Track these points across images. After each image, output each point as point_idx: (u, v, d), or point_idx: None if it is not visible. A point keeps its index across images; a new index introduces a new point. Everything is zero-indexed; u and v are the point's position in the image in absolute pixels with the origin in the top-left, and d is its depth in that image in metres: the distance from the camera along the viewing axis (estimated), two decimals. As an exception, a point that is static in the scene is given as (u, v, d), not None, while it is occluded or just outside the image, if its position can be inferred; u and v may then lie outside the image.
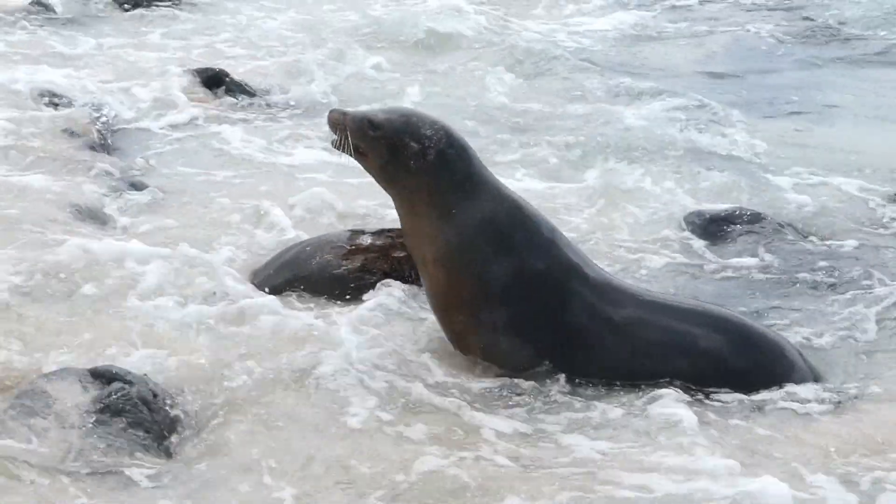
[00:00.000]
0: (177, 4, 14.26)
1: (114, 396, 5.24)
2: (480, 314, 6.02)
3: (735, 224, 8.40)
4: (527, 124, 10.83)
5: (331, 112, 6.09)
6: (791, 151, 10.42)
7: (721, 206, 8.74)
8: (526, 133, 10.53)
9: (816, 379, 6.32)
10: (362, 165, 6.07)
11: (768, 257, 8.03)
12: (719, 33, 14.77)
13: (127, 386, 5.29)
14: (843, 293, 7.55)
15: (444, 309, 6.13)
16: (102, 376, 5.41)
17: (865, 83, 12.89)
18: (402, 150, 5.85)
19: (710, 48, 14.17)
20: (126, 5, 14.06)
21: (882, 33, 14.64)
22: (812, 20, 15.18)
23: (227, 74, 11.18)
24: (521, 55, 12.94)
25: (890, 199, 9.11)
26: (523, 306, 6.01)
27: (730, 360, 6.13)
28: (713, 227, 8.41)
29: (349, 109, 6.17)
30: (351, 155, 6.01)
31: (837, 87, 12.66)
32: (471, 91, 11.82)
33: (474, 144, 6.29)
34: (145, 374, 5.57)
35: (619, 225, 8.50)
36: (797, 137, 10.95)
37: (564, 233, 6.49)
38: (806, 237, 8.46)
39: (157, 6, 14.18)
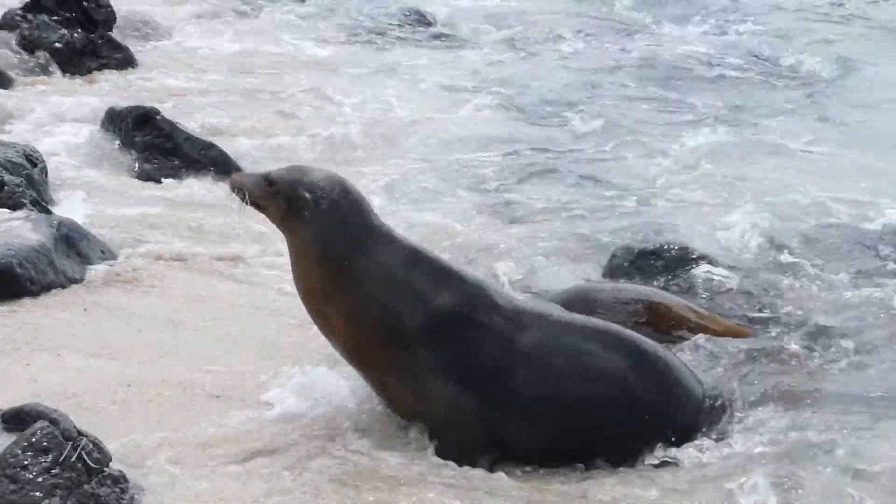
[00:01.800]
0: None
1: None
2: (396, 362, 6.05)
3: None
4: None
5: (232, 176, 6.30)
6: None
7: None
8: None
9: (704, 395, 6.42)
10: (270, 220, 6.23)
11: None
12: None
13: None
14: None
15: (361, 364, 6.16)
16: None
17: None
18: (296, 202, 6.00)
19: None
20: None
21: None
22: None
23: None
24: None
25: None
26: (435, 346, 6.03)
27: (630, 381, 6.20)
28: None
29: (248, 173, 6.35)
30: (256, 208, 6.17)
31: None
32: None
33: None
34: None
35: None
36: None
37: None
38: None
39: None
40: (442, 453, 6.03)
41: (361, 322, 6.04)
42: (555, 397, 6.09)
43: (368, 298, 6.03)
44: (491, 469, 6.00)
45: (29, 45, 13.29)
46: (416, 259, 6.14)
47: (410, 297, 6.06)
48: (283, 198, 6.03)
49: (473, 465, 5.98)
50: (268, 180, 6.09)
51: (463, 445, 6.05)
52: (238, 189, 6.13)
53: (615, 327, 6.45)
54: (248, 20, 17.70)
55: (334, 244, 6.02)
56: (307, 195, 5.99)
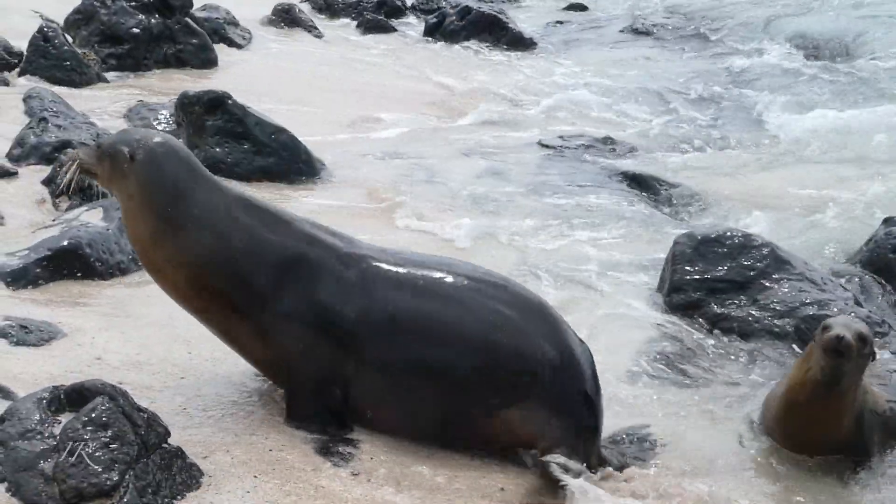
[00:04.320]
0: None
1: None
2: (235, 308, 6.10)
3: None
4: None
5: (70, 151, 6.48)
6: None
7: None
8: None
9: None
10: (101, 185, 6.38)
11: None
12: None
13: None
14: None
15: (202, 312, 6.21)
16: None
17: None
18: (115, 158, 6.13)
19: None
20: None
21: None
22: None
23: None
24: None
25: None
26: (273, 288, 6.06)
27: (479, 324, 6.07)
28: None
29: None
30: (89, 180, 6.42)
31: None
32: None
33: None
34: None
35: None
36: None
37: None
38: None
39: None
40: (293, 409, 6.10)
41: (192, 269, 6.09)
42: (397, 338, 6.07)
43: (196, 245, 6.09)
44: (343, 425, 6.07)
45: (107, 33, 13.49)
46: (243, 205, 6.18)
47: (240, 241, 6.10)
48: (106, 158, 6.18)
49: (325, 421, 6.04)
50: (96, 144, 6.34)
51: (312, 393, 6.10)
52: (71, 160, 6.34)
53: (464, 263, 6.43)
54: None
55: (155, 194, 6.09)
56: (125, 149, 6.12)
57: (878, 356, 6.49)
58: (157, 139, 6.21)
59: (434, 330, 6.08)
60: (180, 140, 6.27)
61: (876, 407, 6.52)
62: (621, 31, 18.40)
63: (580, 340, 6.28)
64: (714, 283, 8.26)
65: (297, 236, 6.18)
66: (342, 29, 17.71)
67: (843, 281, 8.57)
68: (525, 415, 6.07)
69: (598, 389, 6.25)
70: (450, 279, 6.20)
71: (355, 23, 18.22)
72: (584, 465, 6.03)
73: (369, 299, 6.09)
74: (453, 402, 6.08)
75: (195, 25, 14.30)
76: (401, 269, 6.20)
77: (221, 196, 6.17)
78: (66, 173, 6.33)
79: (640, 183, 11.05)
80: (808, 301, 8.11)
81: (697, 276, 8.32)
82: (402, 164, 11.27)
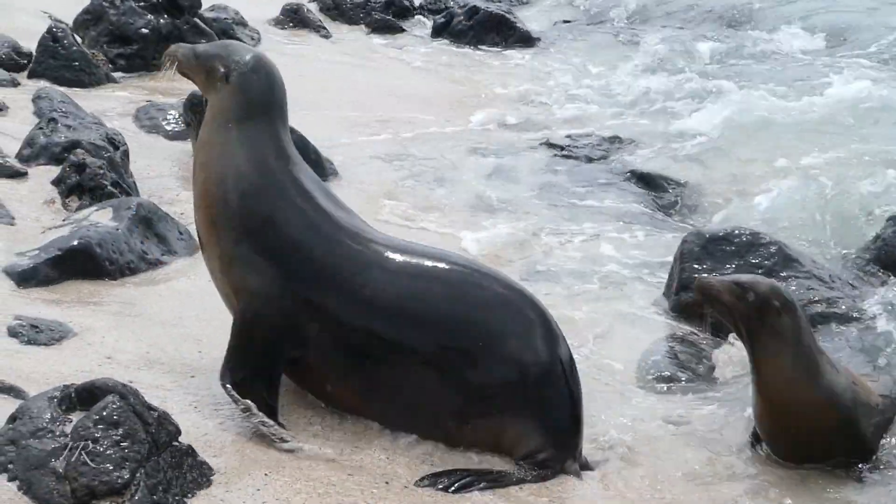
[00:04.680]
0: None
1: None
2: (216, 240, 6.28)
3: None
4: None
5: (170, 47, 6.72)
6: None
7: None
8: None
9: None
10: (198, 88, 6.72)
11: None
12: None
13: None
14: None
15: (200, 237, 6.46)
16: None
17: None
18: (212, 73, 6.41)
19: None
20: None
21: None
22: None
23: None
24: None
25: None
26: (240, 229, 6.20)
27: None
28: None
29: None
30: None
31: None
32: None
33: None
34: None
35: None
36: None
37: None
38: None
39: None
40: (229, 359, 6.13)
41: (205, 190, 6.34)
42: (354, 292, 6.11)
43: (216, 168, 6.32)
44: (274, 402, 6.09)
45: (116, 33, 13.52)
46: (285, 157, 6.33)
47: (260, 177, 6.25)
48: (203, 69, 6.46)
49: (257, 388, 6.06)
50: (194, 52, 6.56)
51: (263, 331, 6.12)
52: (170, 57, 6.61)
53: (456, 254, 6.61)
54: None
55: (231, 111, 6.32)
56: (221, 68, 6.35)
57: (800, 319, 6.34)
58: (253, 63, 6.41)
59: (412, 312, 6.09)
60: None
61: (869, 400, 6.51)
62: (631, 27, 18.34)
63: (561, 339, 6.23)
64: (722, 282, 8.27)
65: (309, 199, 6.25)
66: (350, 30, 17.69)
67: (851, 278, 8.57)
68: (503, 419, 6.06)
69: (579, 392, 6.21)
70: (439, 265, 6.22)
71: (363, 23, 18.23)
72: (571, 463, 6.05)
73: (353, 268, 6.12)
74: (426, 394, 6.08)
75: (204, 26, 14.30)
76: (392, 251, 6.22)
77: (273, 138, 6.31)
78: (166, 69, 6.62)
79: (648, 182, 11.04)
80: (816, 299, 8.12)
81: (706, 275, 8.32)
82: (411, 165, 11.29)
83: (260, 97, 6.35)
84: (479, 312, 6.09)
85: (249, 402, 5.99)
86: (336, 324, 6.12)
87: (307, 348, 6.14)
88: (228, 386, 6.06)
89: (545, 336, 6.13)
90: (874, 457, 6.46)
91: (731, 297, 6.22)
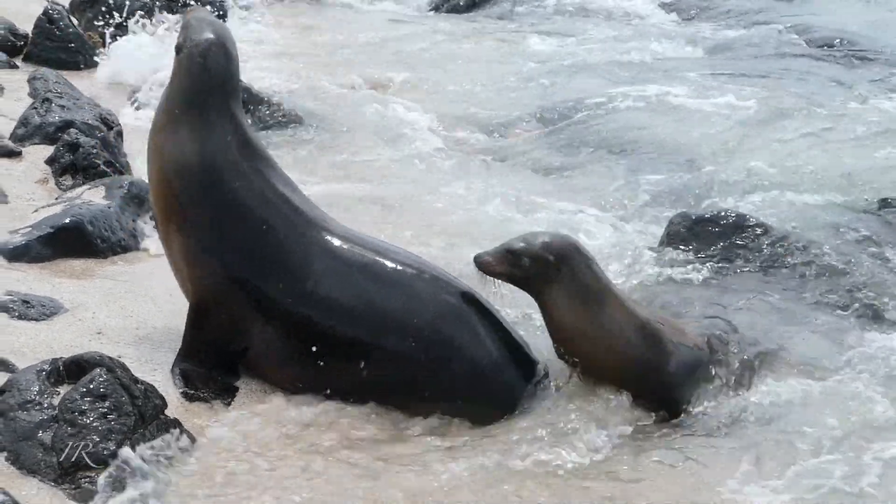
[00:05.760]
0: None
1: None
2: (177, 225, 6.31)
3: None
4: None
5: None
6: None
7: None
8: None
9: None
10: None
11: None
12: None
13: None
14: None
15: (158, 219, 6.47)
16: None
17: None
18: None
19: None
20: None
21: None
22: None
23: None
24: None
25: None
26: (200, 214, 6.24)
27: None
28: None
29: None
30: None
31: None
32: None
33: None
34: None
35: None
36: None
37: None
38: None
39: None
40: (186, 340, 6.30)
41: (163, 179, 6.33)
42: (296, 285, 6.19)
43: (167, 156, 6.31)
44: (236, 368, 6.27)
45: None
46: (250, 146, 6.34)
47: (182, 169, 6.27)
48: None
49: (219, 356, 6.24)
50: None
51: (211, 325, 6.25)
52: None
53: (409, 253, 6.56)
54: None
55: (180, 93, 6.31)
56: (178, 42, 6.37)
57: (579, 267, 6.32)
58: (201, 42, 6.31)
59: (360, 312, 6.18)
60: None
61: (676, 341, 6.48)
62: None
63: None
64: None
65: (271, 189, 6.28)
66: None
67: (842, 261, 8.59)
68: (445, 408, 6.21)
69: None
70: (388, 264, 6.30)
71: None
72: None
73: (302, 265, 6.19)
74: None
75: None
76: (341, 244, 6.28)
77: (223, 122, 6.29)
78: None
79: (639, 159, 11.02)
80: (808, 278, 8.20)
81: (691, 256, 8.41)
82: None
83: (204, 82, 6.29)
84: (413, 313, 6.19)
85: (188, 390, 6.14)
86: (279, 317, 6.21)
87: (252, 341, 6.26)
88: (177, 373, 6.22)
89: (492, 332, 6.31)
90: (683, 407, 6.43)
91: (507, 266, 6.24)
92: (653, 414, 6.34)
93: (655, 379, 6.39)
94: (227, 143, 6.27)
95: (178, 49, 6.36)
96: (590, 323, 6.26)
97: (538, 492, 5.66)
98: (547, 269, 6.22)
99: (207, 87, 6.28)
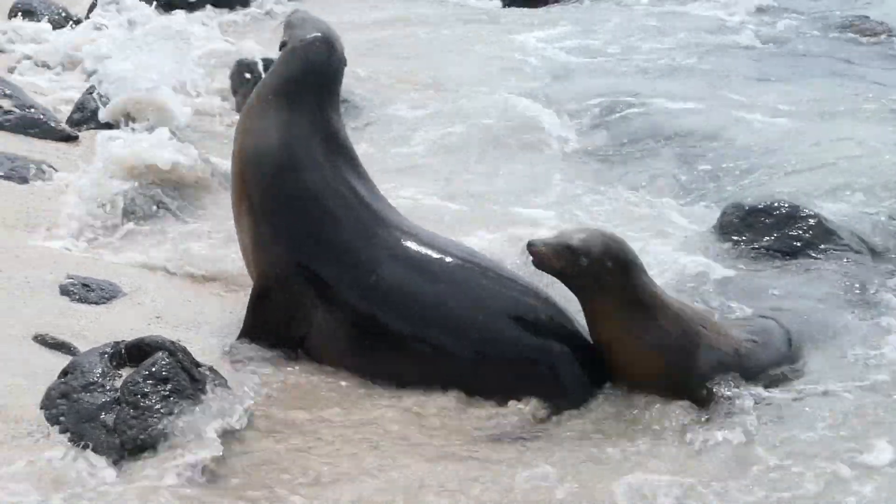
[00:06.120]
0: None
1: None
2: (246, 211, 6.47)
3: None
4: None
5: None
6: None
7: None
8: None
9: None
10: None
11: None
12: None
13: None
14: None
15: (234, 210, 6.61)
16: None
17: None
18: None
19: None
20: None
21: None
22: None
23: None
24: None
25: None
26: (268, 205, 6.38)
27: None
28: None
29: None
30: None
31: None
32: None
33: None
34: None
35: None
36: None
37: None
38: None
39: None
40: (247, 322, 6.40)
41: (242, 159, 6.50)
42: (360, 279, 6.26)
43: (251, 140, 6.49)
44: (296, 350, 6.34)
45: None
46: (332, 142, 6.46)
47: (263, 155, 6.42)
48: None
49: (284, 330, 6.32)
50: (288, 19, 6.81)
51: (272, 310, 6.33)
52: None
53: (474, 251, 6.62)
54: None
55: (276, 84, 6.55)
56: (285, 38, 6.66)
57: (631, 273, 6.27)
58: (308, 40, 6.56)
59: (418, 308, 6.23)
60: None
61: (718, 344, 6.41)
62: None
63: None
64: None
65: (345, 184, 6.38)
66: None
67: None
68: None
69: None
70: (452, 261, 6.35)
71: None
72: None
73: (368, 259, 6.25)
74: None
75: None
76: (410, 242, 6.35)
77: (313, 116, 6.43)
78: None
79: (686, 149, 10.91)
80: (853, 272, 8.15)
81: (744, 247, 8.40)
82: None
83: (303, 75, 6.46)
84: (481, 314, 6.22)
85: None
86: (340, 309, 6.29)
87: (311, 329, 6.33)
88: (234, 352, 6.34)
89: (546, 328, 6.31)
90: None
91: (562, 262, 6.20)
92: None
93: (684, 382, 6.32)
94: (309, 134, 6.39)
95: (283, 45, 6.58)
96: (636, 336, 6.26)
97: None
98: (603, 273, 6.19)
99: (302, 78, 6.45)
